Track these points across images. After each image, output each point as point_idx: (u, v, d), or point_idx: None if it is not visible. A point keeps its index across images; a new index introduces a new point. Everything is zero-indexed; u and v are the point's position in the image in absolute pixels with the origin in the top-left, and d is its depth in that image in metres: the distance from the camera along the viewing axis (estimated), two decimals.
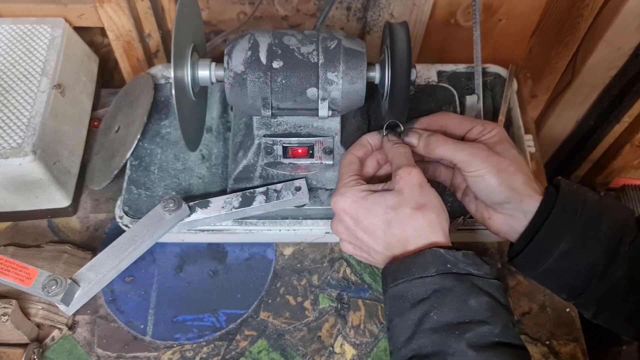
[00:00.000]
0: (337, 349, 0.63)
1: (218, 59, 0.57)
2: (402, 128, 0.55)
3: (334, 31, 0.56)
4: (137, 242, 0.58)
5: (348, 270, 0.68)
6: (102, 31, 0.81)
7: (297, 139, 0.60)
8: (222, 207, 0.61)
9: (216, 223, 0.64)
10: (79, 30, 0.77)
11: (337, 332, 0.64)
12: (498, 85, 0.76)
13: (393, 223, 0.48)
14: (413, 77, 0.54)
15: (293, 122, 0.59)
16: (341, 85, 0.54)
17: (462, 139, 0.54)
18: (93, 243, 0.69)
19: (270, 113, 0.56)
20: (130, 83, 0.76)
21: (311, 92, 0.55)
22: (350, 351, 0.63)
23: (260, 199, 0.61)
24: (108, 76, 0.90)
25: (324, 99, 0.55)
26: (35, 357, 0.61)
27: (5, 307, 0.57)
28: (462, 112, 0.72)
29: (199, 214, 0.61)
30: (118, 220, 0.64)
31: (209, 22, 0.83)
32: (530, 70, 0.97)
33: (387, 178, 0.52)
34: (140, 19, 0.79)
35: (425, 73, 0.76)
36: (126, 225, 0.64)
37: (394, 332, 0.45)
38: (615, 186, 1.08)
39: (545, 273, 0.51)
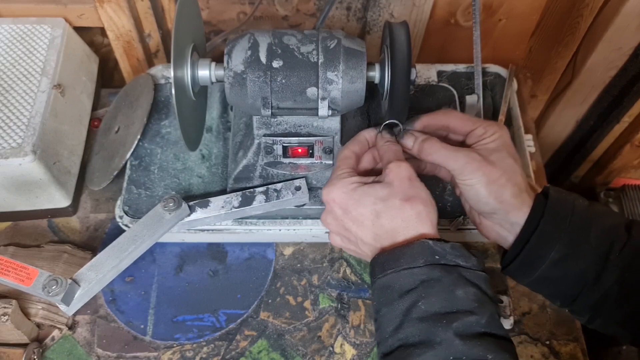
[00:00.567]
0: (337, 349, 0.63)
1: (218, 58, 0.57)
2: (401, 127, 0.55)
3: (334, 31, 0.56)
4: (137, 241, 0.58)
5: (348, 270, 0.68)
6: (102, 31, 0.81)
7: (297, 138, 0.60)
8: (222, 207, 0.61)
9: (216, 223, 0.64)
10: (79, 30, 0.77)
11: (337, 332, 0.64)
12: (498, 85, 0.76)
13: (382, 214, 0.48)
14: (413, 76, 0.54)
15: (293, 121, 0.59)
16: (341, 84, 0.54)
17: (463, 140, 0.54)
18: (93, 243, 0.69)
19: (270, 113, 0.56)
20: (131, 83, 0.76)
21: (311, 91, 0.55)
22: (350, 351, 0.63)
23: (260, 198, 0.61)
24: (108, 76, 0.90)
25: (323, 99, 0.55)
26: (35, 357, 0.61)
27: (5, 307, 0.57)
28: (462, 112, 0.71)
29: (198, 213, 0.61)
30: (118, 220, 0.64)
31: (209, 22, 0.83)
32: (530, 70, 0.97)
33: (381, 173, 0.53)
34: (140, 19, 0.79)
35: (425, 73, 0.76)
36: (126, 225, 0.64)
37: (381, 322, 0.45)
38: (615, 186, 1.08)
39: (538, 281, 0.51)
